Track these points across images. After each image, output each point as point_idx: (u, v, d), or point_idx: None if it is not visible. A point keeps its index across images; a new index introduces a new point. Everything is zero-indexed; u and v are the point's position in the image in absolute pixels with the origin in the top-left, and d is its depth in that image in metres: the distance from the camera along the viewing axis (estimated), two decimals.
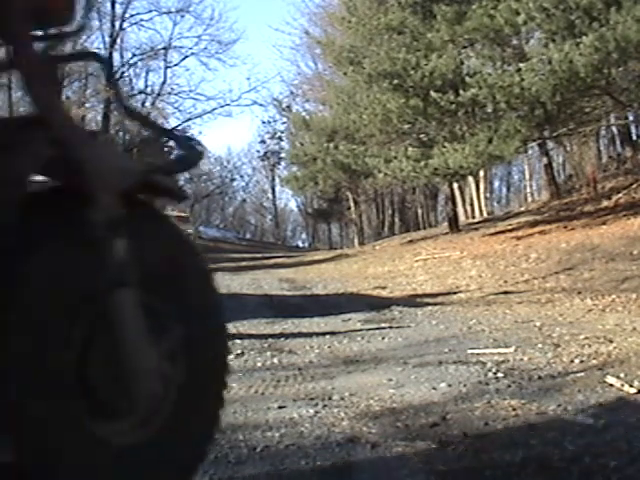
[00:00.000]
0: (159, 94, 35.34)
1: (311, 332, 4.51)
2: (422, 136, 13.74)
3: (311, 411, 2.37)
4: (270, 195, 49.28)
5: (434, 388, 2.70)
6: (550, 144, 19.16)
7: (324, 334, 4.54)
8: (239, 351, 3.61)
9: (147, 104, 35.65)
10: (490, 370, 2.99)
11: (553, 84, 9.59)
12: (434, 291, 7.84)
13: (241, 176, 42.62)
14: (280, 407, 2.44)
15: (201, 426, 1.30)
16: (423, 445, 1.96)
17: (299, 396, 2.61)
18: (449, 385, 2.74)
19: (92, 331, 1.12)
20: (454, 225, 18.32)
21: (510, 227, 14.80)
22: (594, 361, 3.13)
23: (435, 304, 6.30)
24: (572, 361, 3.14)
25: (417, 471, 1.76)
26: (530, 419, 2.20)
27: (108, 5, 34.34)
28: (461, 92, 10.87)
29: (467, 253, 11.72)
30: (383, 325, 5.01)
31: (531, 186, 31.51)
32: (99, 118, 35.72)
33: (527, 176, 31.74)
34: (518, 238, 12.10)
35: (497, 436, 2.03)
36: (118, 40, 35.09)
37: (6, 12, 1.13)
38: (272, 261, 15.96)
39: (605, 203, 13.76)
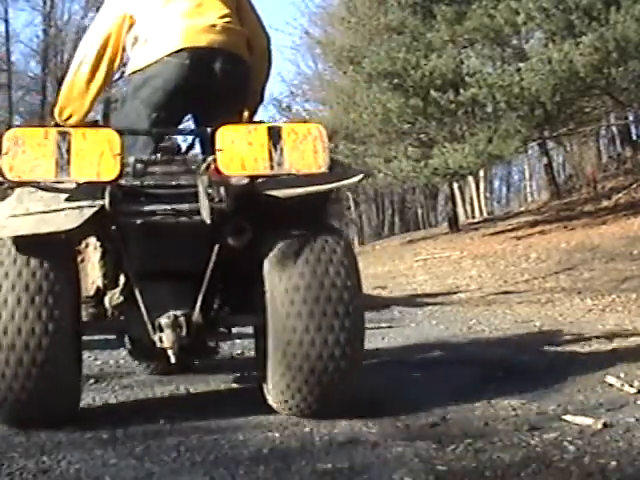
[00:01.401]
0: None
1: None
2: (422, 136, 13.74)
3: None
4: None
5: (434, 388, 2.70)
6: (550, 144, 19.16)
7: None
8: (239, 351, 3.61)
9: None
10: (490, 370, 2.99)
11: (553, 84, 9.59)
12: (434, 291, 7.85)
13: None
14: None
15: None
16: (423, 445, 1.96)
17: None
18: (449, 385, 2.74)
19: None
20: (454, 225, 18.32)
21: (510, 227, 14.80)
22: (594, 361, 3.13)
23: (435, 304, 6.31)
24: (572, 361, 3.14)
25: (417, 471, 1.76)
26: (530, 419, 2.20)
27: None
28: (461, 92, 10.86)
29: (467, 253, 11.72)
30: (383, 325, 5.01)
31: (531, 186, 31.52)
32: (99, 118, 35.77)
33: (527, 176, 31.75)
34: (518, 238, 12.11)
35: (497, 436, 2.03)
36: None
37: None
38: None
39: (605, 203, 13.77)
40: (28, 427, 2.08)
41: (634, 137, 19.16)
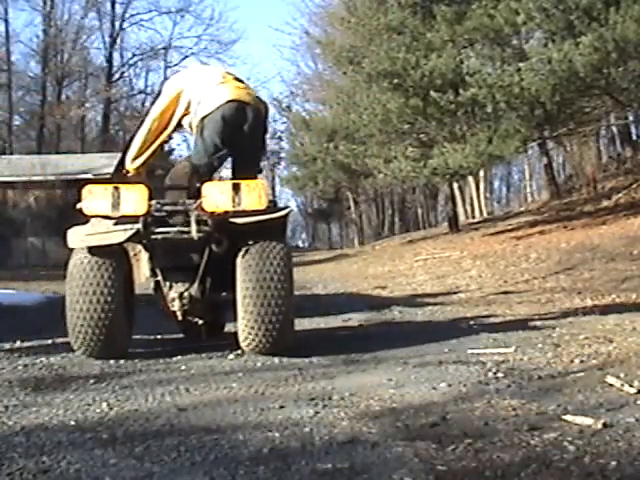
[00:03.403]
0: (159, 94, 35.34)
1: (311, 332, 4.51)
2: (422, 136, 13.73)
3: (311, 411, 2.37)
4: (270, 195, 49.28)
5: (434, 388, 2.70)
6: (550, 144, 19.15)
7: (324, 334, 4.54)
8: (239, 351, 3.61)
9: (147, 104, 35.67)
10: (490, 370, 2.99)
11: (553, 84, 9.59)
12: (434, 291, 7.84)
13: None
14: (280, 407, 2.45)
15: None
16: (423, 445, 1.96)
17: (299, 396, 2.62)
18: (449, 385, 2.74)
19: None
20: (454, 225, 18.34)
21: (510, 227, 14.80)
22: (594, 361, 3.13)
23: (435, 304, 6.30)
24: (572, 361, 3.14)
25: (417, 471, 1.76)
26: (530, 419, 2.20)
27: (108, 5, 34.44)
28: (461, 92, 10.86)
29: (467, 253, 11.73)
30: (383, 325, 5.00)
31: (531, 186, 31.52)
32: (99, 118, 35.79)
33: (527, 176, 31.76)
34: (518, 238, 12.11)
35: (497, 436, 2.03)
36: (118, 40, 35.20)
37: None
38: None
39: (605, 203, 13.78)
40: (97, 358, 3.41)
41: (634, 137, 19.17)
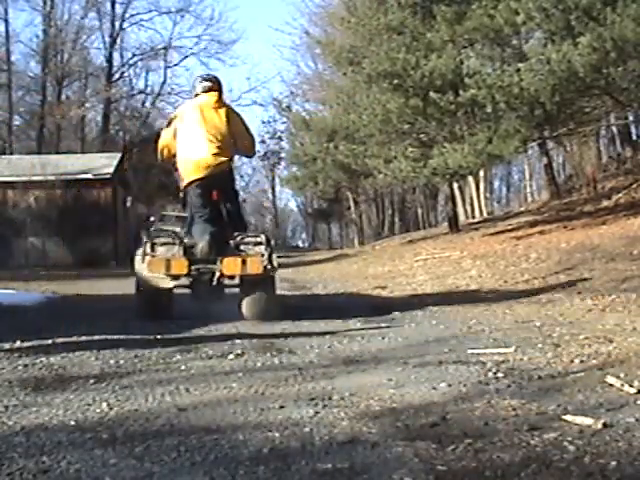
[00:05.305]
0: (159, 94, 35.35)
1: (311, 332, 4.51)
2: (422, 136, 13.73)
3: (311, 411, 2.37)
4: (270, 195, 49.38)
5: (434, 388, 2.70)
6: (550, 144, 19.15)
7: (324, 334, 4.54)
8: (239, 351, 3.62)
9: (147, 104, 35.69)
10: (490, 370, 2.99)
11: (552, 84, 9.59)
12: (434, 291, 7.84)
13: (241, 176, 42.60)
14: (280, 407, 2.45)
15: None
16: (423, 445, 1.96)
17: (299, 396, 2.62)
18: (449, 385, 2.74)
19: None
20: (454, 225, 18.35)
21: (510, 227, 14.80)
22: (594, 361, 3.13)
23: (435, 304, 6.30)
24: (572, 361, 3.14)
25: (417, 471, 1.76)
26: (530, 419, 2.20)
27: (108, 5, 34.46)
28: (460, 92, 10.86)
29: (467, 253, 11.72)
30: (383, 325, 5.00)
31: (531, 186, 31.53)
32: (99, 118, 35.79)
33: (527, 176, 31.77)
34: (518, 238, 12.10)
35: (497, 436, 2.03)
36: (118, 40, 35.21)
37: None
38: None
39: (605, 203, 13.77)
40: (149, 319, 5.20)
41: (634, 137, 19.17)
